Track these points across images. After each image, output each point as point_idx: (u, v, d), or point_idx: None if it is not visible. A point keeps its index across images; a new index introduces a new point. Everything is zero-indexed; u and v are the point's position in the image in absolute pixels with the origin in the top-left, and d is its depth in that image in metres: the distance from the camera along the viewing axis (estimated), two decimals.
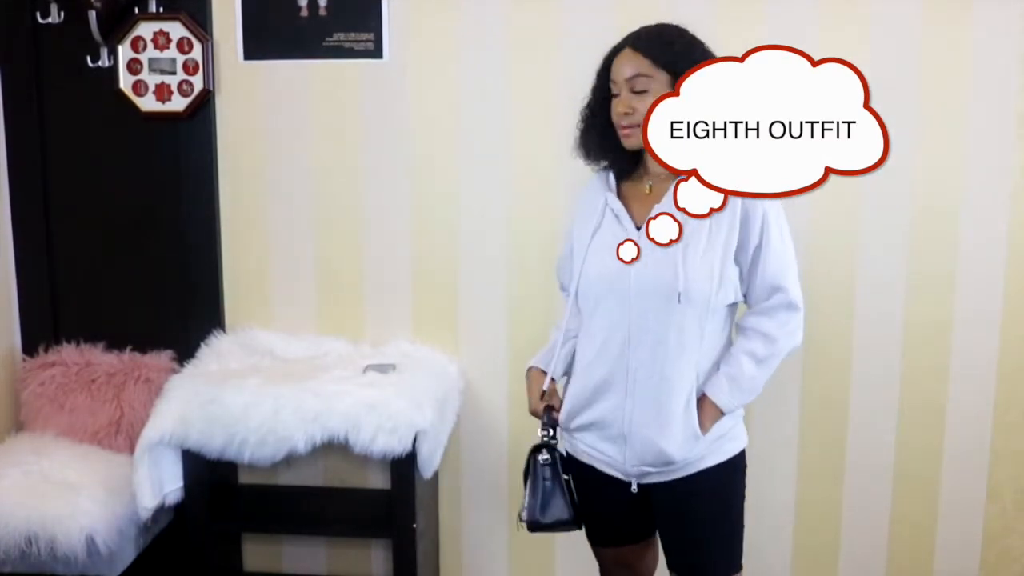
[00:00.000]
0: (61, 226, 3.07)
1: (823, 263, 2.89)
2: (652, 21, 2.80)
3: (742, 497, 2.21)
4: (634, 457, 2.08)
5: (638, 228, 2.07)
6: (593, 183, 2.22)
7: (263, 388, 2.65)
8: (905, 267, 2.87)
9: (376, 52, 2.90)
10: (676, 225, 2.01)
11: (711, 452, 2.11)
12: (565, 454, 2.21)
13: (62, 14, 2.90)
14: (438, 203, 2.96)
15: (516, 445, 3.05)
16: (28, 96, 2.99)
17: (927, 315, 2.89)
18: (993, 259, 2.85)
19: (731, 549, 2.18)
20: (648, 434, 2.05)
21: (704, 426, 2.07)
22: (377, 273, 3.02)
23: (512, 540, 3.12)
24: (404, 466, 2.65)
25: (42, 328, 3.09)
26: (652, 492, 2.14)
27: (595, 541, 2.32)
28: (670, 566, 2.22)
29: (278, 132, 2.98)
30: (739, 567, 2.19)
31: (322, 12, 2.90)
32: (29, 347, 3.10)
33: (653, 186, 2.11)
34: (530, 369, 2.30)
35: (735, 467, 2.17)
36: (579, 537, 2.99)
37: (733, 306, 2.15)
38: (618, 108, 2.05)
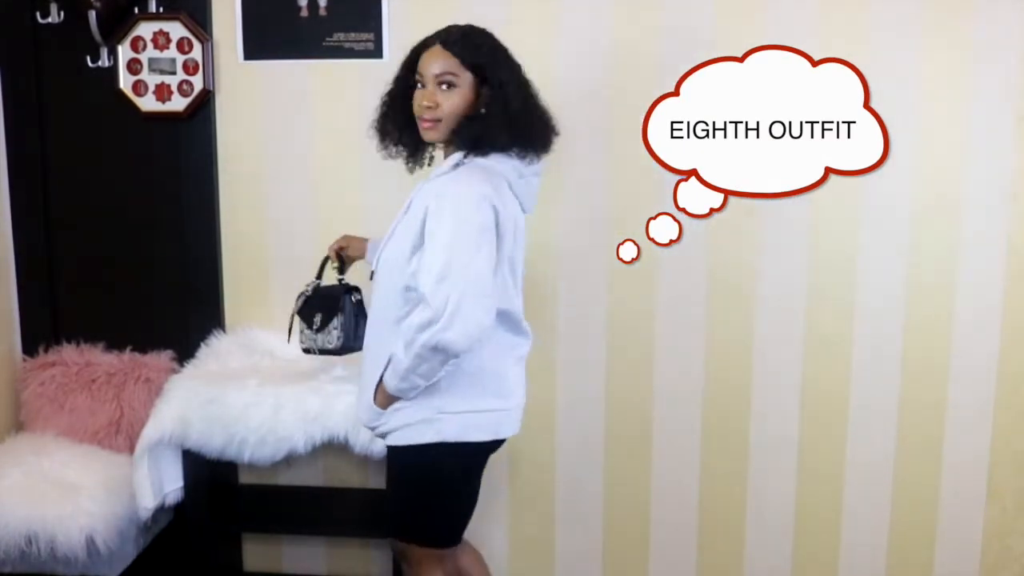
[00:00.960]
0: (61, 226, 3.07)
1: (823, 263, 2.89)
2: (653, 20, 2.82)
3: (428, 482, 2.22)
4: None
5: None
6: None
7: (263, 388, 2.65)
8: (905, 267, 2.87)
9: (376, 52, 2.90)
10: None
11: (393, 431, 2.19)
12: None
13: (62, 14, 2.90)
14: None
15: (516, 445, 3.05)
16: (28, 96, 2.99)
17: (927, 315, 2.89)
18: (993, 259, 2.85)
19: (401, 519, 2.27)
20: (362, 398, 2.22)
21: (376, 400, 2.18)
22: None
23: (512, 540, 3.12)
24: None
25: (42, 328, 3.09)
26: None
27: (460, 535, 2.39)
28: None
29: (278, 132, 2.98)
30: (412, 539, 2.26)
31: (322, 12, 2.90)
32: (29, 347, 3.10)
33: None
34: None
35: (418, 453, 2.18)
36: (579, 537, 2.99)
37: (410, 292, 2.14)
38: (422, 101, 2.11)
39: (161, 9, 2.91)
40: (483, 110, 2.10)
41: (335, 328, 2.54)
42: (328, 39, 2.91)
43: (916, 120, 2.80)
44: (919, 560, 3.02)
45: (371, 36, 2.90)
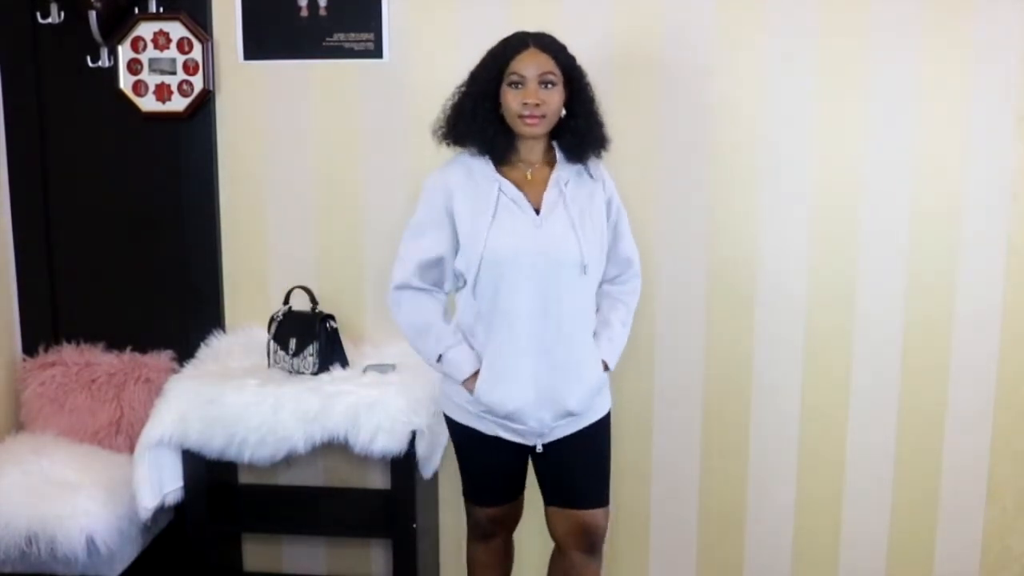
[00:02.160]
0: (61, 226, 3.07)
1: (823, 263, 2.89)
2: (653, 20, 2.82)
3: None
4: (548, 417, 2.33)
5: (536, 211, 2.29)
6: (452, 174, 2.34)
7: (263, 388, 2.65)
8: (905, 267, 2.88)
9: (376, 52, 2.90)
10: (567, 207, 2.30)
11: (599, 406, 2.40)
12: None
13: (62, 14, 2.90)
14: None
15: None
16: (28, 96, 2.99)
17: (927, 315, 2.89)
18: (993, 259, 2.85)
19: (607, 484, 2.47)
20: (562, 393, 2.30)
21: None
22: (377, 273, 3.02)
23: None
24: (404, 466, 2.65)
25: (42, 328, 3.10)
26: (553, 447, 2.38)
27: (489, 503, 2.52)
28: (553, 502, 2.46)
29: (278, 132, 2.98)
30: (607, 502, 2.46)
31: (322, 12, 2.90)
32: (29, 347, 3.10)
33: (532, 172, 2.33)
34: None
35: (609, 419, 2.45)
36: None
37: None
38: (526, 99, 2.25)
39: (161, 9, 2.91)
40: (575, 111, 2.31)
41: (310, 355, 2.73)
42: (328, 39, 2.91)
43: (916, 120, 2.80)
44: (919, 560, 3.02)
45: (371, 36, 2.90)
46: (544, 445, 2.35)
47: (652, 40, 2.81)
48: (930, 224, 2.85)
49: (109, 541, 2.60)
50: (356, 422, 2.59)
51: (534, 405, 2.29)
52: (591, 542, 2.42)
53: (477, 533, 2.59)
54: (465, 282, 2.34)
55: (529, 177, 2.32)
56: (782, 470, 3.01)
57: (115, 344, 3.07)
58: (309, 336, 2.74)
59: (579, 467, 2.39)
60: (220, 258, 3.05)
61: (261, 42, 2.93)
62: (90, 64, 2.93)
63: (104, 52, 2.93)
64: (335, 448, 2.68)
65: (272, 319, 2.82)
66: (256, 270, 3.05)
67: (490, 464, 2.44)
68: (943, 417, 2.95)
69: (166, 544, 2.91)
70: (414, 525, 2.70)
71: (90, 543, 2.56)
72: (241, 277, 3.06)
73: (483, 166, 2.32)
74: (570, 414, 2.32)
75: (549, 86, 2.26)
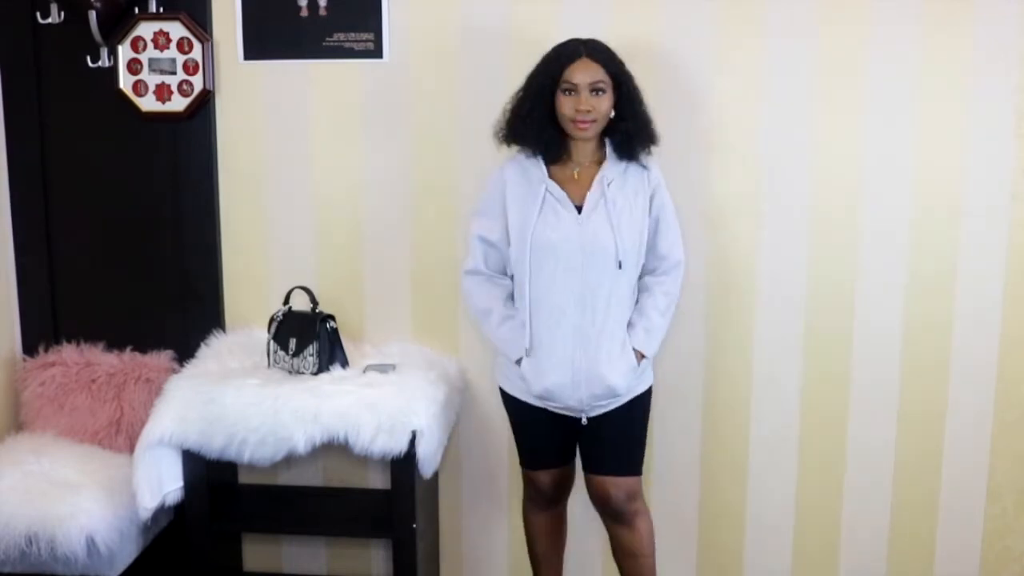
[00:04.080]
0: (61, 226, 3.07)
1: (823, 263, 2.89)
2: (654, 20, 2.83)
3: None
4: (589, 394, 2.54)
5: (578, 209, 2.49)
6: (508, 171, 2.59)
7: (263, 388, 2.65)
8: (905, 267, 2.88)
9: (376, 52, 2.90)
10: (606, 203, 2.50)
11: (639, 385, 2.61)
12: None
13: (62, 14, 2.90)
14: (438, 203, 2.96)
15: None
16: (28, 96, 2.99)
17: (927, 315, 2.89)
18: (993, 259, 2.85)
19: (641, 454, 2.68)
20: (601, 374, 2.50)
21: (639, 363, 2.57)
22: (377, 273, 3.02)
23: (512, 540, 3.12)
24: (404, 466, 2.65)
25: (42, 328, 3.09)
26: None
27: (541, 466, 2.73)
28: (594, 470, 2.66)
29: (278, 132, 2.98)
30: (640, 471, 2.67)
31: (322, 12, 2.90)
32: (29, 347, 3.10)
33: (580, 171, 2.54)
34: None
35: (647, 396, 2.67)
36: (579, 538, 2.99)
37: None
38: (579, 106, 2.45)
39: (161, 9, 2.91)
40: (623, 112, 2.50)
41: (310, 355, 2.74)
42: (328, 39, 2.91)
43: (916, 120, 2.80)
44: (919, 560, 3.02)
45: (371, 36, 2.90)
46: (589, 418, 2.57)
47: (652, 40, 2.81)
48: (930, 224, 2.85)
49: (109, 541, 2.59)
50: (356, 422, 2.59)
51: (571, 387, 2.51)
52: (614, 508, 2.64)
53: (535, 502, 2.79)
54: (514, 275, 2.59)
55: (576, 176, 2.54)
56: (782, 470, 3.01)
57: (115, 344, 3.07)
58: (309, 336, 2.74)
59: (608, 437, 2.60)
60: (220, 258, 3.05)
61: (261, 42, 2.93)
62: (90, 64, 2.93)
63: (104, 52, 2.93)
64: (335, 448, 2.68)
65: (272, 319, 2.82)
66: (256, 270, 3.05)
67: (540, 432, 2.67)
68: (943, 417, 2.95)
69: (166, 544, 2.91)
70: (414, 525, 2.70)
71: (90, 543, 2.56)
72: (241, 277, 3.06)
73: (535, 167, 2.54)
74: (615, 394, 2.53)
75: (599, 93, 2.46)
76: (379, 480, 3.08)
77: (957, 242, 2.85)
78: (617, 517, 2.66)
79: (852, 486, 3.00)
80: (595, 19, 2.80)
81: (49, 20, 2.91)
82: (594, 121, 2.47)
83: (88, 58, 2.93)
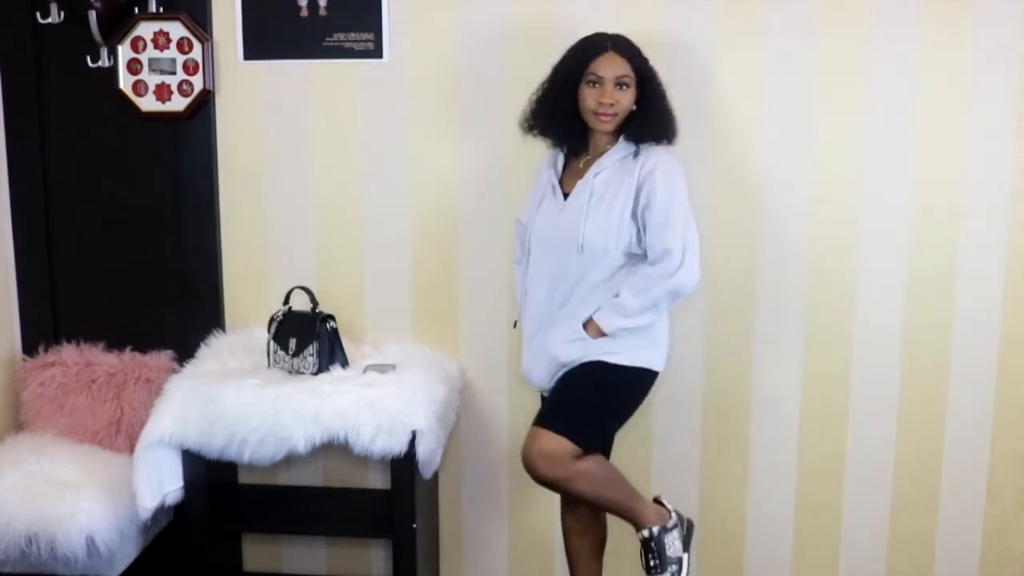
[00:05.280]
0: (61, 226, 3.07)
1: (823, 263, 2.89)
2: (654, 21, 2.83)
3: (617, 397, 2.59)
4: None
5: (565, 197, 2.57)
6: (544, 162, 2.69)
7: (263, 388, 2.65)
8: (905, 267, 2.88)
9: (376, 52, 2.90)
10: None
11: (592, 354, 2.53)
12: None
13: (62, 14, 2.90)
14: (438, 203, 2.96)
15: (516, 445, 3.05)
16: (28, 96, 2.99)
17: (927, 315, 2.89)
18: (993, 259, 2.85)
19: (580, 420, 2.54)
20: (548, 346, 2.57)
21: (589, 332, 2.53)
22: (377, 273, 3.02)
23: (512, 540, 3.13)
24: (404, 466, 2.65)
25: (42, 328, 3.10)
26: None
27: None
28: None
29: (278, 132, 2.98)
30: (573, 436, 2.48)
31: (322, 12, 2.90)
32: (29, 347, 3.10)
33: (585, 162, 2.59)
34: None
35: (618, 372, 2.55)
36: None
37: (634, 256, 2.54)
38: (602, 99, 2.49)
39: (161, 9, 2.91)
40: (643, 104, 2.53)
41: (311, 355, 2.74)
42: (328, 39, 2.91)
43: (916, 120, 2.80)
44: (919, 560, 3.02)
45: (371, 36, 2.90)
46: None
47: (652, 40, 2.80)
48: (930, 224, 2.85)
49: (109, 541, 2.59)
50: (356, 422, 2.59)
51: (534, 366, 2.62)
52: (530, 462, 2.48)
53: (563, 498, 2.73)
54: None
55: (581, 167, 2.60)
56: (782, 470, 3.01)
57: (115, 344, 3.07)
58: (309, 336, 2.74)
59: (554, 393, 2.60)
60: (220, 258, 3.05)
61: (261, 42, 2.93)
62: (90, 64, 2.93)
63: (104, 52, 2.93)
64: (335, 448, 2.68)
65: (272, 319, 2.82)
66: (256, 270, 3.05)
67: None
68: (943, 417, 2.95)
69: (166, 544, 2.91)
70: (414, 525, 2.70)
71: (90, 543, 2.56)
72: (241, 277, 3.06)
73: (556, 157, 2.65)
74: (559, 363, 2.56)
75: (623, 87, 2.50)
76: (379, 480, 3.08)
77: (957, 242, 2.85)
78: (530, 470, 2.48)
79: (852, 486, 3.00)
80: (595, 19, 2.79)
81: (49, 20, 2.91)
82: (615, 115, 2.51)
83: (88, 58, 2.93)
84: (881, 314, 2.90)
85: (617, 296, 2.50)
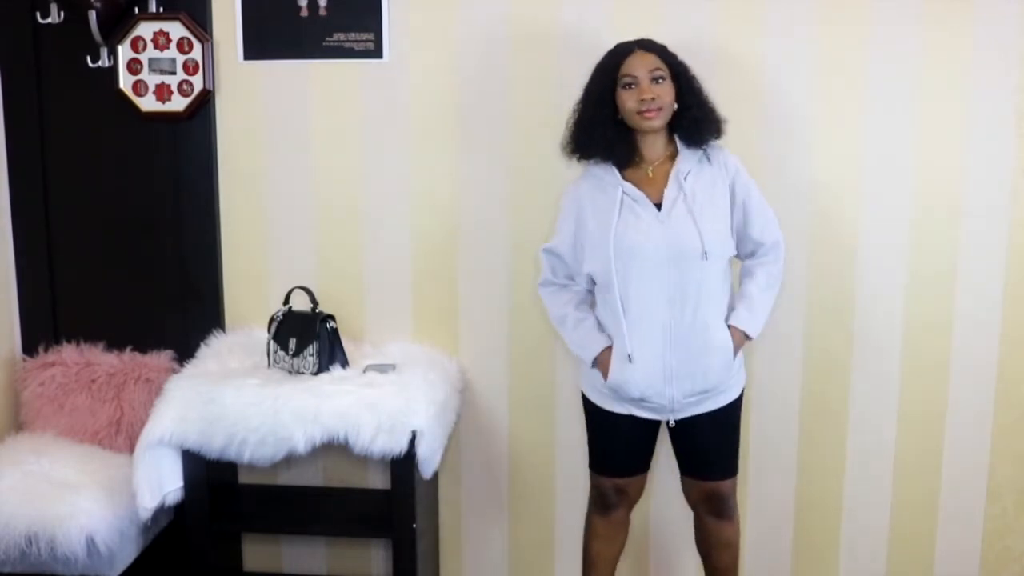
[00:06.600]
0: (61, 226, 3.07)
1: (823, 263, 2.89)
2: (655, 21, 2.83)
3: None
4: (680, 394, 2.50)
5: (657, 207, 2.46)
6: (583, 184, 2.57)
7: (263, 388, 2.65)
8: (905, 267, 2.88)
9: (376, 52, 2.90)
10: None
11: (733, 387, 2.57)
12: None
13: (62, 14, 2.90)
14: (438, 203, 2.97)
15: (516, 445, 3.05)
16: (28, 96, 2.99)
17: (927, 315, 2.89)
18: (993, 259, 2.85)
19: (736, 457, 2.67)
20: (692, 371, 2.46)
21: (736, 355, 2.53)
22: (377, 273, 3.02)
23: (512, 540, 3.13)
24: (404, 466, 2.65)
25: (42, 328, 3.09)
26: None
27: (614, 474, 2.66)
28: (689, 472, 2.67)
29: (278, 132, 2.98)
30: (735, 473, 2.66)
31: (322, 12, 2.90)
32: (29, 347, 3.10)
33: (653, 169, 2.50)
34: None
35: (741, 399, 2.63)
36: (579, 538, 2.99)
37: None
38: (642, 96, 2.42)
39: (161, 9, 2.91)
40: (686, 101, 2.48)
41: (311, 355, 2.74)
42: (328, 39, 2.91)
43: (916, 120, 2.80)
44: (919, 560, 3.02)
45: (371, 36, 2.90)
46: (677, 421, 2.53)
47: (652, 35, 2.81)
48: (930, 224, 2.85)
49: (109, 541, 2.60)
50: (356, 422, 2.59)
51: (661, 384, 2.47)
52: (719, 508, 2.64)
53: (599, 504, 2.71)
54: (595, 282, 2.55)
55: (650, 175, 2.50)
56: (782, 470, 3.01)
57: (115, 344, 3.07)
58: (309, 336, 2.74)
59: (712, 444, 2.59)
60: (220, 258, 3.05)
61: (261, 42, 2.93)
62: (90, 64, 2.93)
63: (104, 52, 2.93)
64: (335, 448, 2.68)
65: (272, 319, 2.82)
66: (256, 270, 3.05)
67: (619, 441, 2.62)
68: (943, 417, 2.95)
69: (166, 544, 2.91)
70: (414, 525, 2.70)
71: (90, 543, 2.56)
72: (241, 277, 3.06)
73: (608, 173, 2.51)
74: (704, 391, 2.49)
75: (660, 81, 2.44)
76: (379, 480, 3.08)
77: (957, 242, 2.85)
78: (720, 513, 2.66)
79: (852, 486, 3.00)
80: (595, 19, 2.80)
81: (49, 20, 2.91)
82: (660, 109, 2.44)
83: (88, 58, 2.93)
84: (881, 314, 2.90)
85: (743, 298, 2.53)
